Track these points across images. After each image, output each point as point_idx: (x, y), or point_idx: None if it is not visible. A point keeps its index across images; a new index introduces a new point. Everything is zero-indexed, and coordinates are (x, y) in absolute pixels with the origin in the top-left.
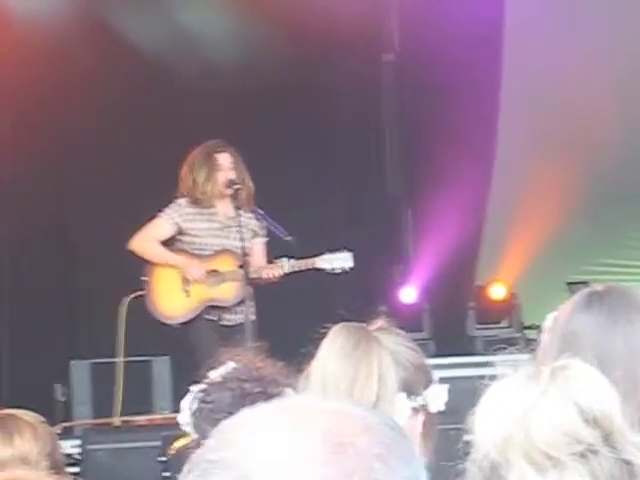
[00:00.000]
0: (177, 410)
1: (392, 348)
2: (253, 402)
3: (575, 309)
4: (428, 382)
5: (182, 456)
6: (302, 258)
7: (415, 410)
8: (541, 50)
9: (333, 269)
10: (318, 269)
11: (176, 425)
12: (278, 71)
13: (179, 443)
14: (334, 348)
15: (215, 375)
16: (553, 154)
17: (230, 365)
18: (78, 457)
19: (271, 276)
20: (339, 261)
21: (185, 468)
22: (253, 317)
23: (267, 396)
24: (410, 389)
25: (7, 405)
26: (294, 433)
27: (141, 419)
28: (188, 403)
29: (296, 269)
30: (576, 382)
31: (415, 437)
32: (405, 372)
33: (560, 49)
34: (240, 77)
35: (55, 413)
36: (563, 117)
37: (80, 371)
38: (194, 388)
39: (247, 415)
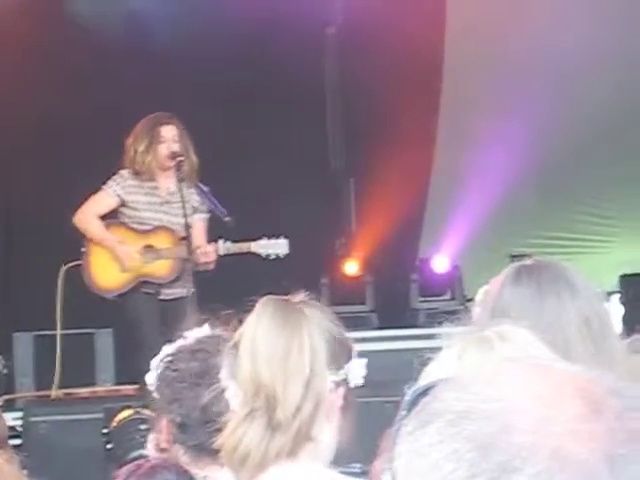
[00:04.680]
0: (120, 382)
1: (316, 321)
2: (217, 376)
3: (505, 283)
4: (349, 356)
5: (125, 428)
6: (240, 239)
7: (336, 384)
8: (484, 17)
9: (268, 255)
10: (253, 253)
11: (118, 398)
12: (222, 43)
13: (122, 415)
14: (263, 321)
15: (189, 337)
16: (498, 125)
17: (204, 330)
18: (20, 429)
19: (204, 255)
20: (275, 247)
21: (413, 421)
22: (192, 289)
23: None
24: (332, 363)
25: None
26: (548, 389)
27: (83, 391)
28: (156, 365)
29: (231, 252)
30: (525, 344)
31: (335, 411)
32: (328, 345)
33: (504, 11)
34: (185, 52)
35: None
36: (507, 85)
37: (23, 343)
38: (165, 350)
39: (489, 369)
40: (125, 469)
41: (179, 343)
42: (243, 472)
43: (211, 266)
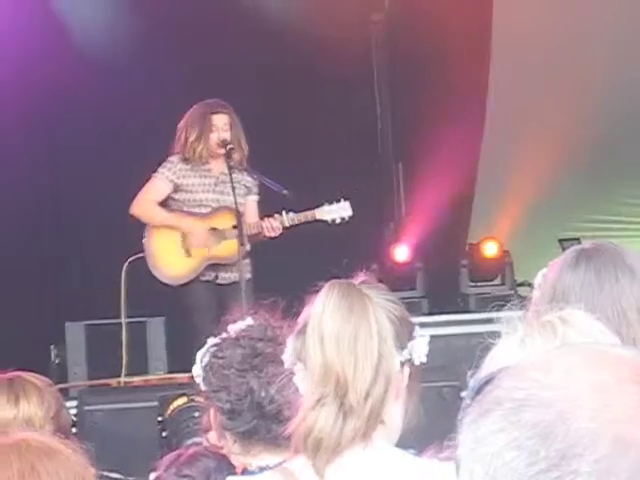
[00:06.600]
0: (172, 371)
1: (380, 303)
2: (263, 362)
3: (563, 267)
4: (411, 334)
5: (180, 416)
6: (300, 211)
7: (401, 363)
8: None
9: (333, 220)
10: (318, 220)
11: (172, 386)
12: (269, 30)
13: (176, 403)
14: (330, 306)
15: (232, 330)
16: (546, 110)
17: (247, 321)
18: (74, 418)
19: (271, 230)
20: (339, 211)
21: (475, 410)
22: (249, 275)
23: (278, 357)
24: (397, 343)
25: (2, 367)
26: (605, 375)
27: (136, 380)
28: (201, 356)
29: (296, 222)
30: (587, 328)
31: (402, 390)
32: (394, 326)
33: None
34: (233, 39)
35: (50, 375)
36: (556, 72)
37: (75, 333)
38: (210, 341)
39: (548, 356)
40: (166, 458)
41: (223, 334)
42: (318, 458)
43: (275, 235)
